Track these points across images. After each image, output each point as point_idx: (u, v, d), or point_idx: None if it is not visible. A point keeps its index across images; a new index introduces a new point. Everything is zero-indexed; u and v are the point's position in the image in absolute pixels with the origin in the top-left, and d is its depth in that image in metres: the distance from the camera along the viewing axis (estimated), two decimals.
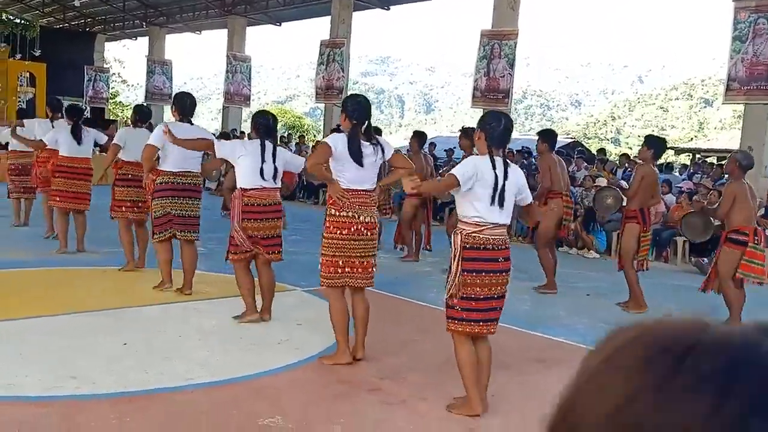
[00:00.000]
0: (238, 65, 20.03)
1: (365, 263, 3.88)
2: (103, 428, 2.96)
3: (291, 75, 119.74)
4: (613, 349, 0.49)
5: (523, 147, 16.33)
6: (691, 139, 50.94)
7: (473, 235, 3.25)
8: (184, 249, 5.32)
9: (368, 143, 3.83)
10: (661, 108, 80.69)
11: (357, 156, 3.75)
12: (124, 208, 5.96)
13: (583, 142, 30.44)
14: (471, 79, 14.32)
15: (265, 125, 4.59)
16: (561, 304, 6.24)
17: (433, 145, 16.69)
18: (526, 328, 5.18)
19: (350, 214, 3.79)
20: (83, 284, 5.81)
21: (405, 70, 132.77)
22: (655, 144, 5.89)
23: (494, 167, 3.25)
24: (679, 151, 25.09)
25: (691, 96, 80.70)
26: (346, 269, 3.83)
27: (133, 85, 39.52)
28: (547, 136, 6.64)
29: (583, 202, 10.64)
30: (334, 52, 16.81)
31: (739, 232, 5.21)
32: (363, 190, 3.83)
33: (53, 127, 7.25)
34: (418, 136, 8.08)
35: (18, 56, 18.58)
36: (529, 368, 4.24)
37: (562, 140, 22.26)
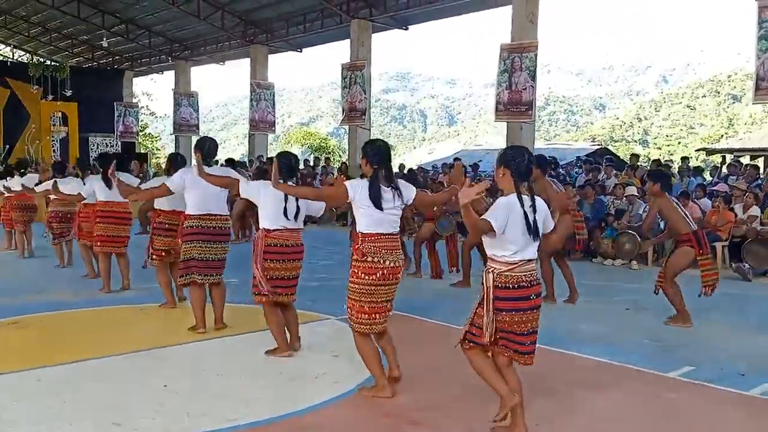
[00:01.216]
0: (261, 93, 20.29)
1: (388, 306, 3.95)
2: None
3: (313, 96, 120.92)
4: None
5: (549, 157, 16.20)
6: (722, 136, 49.96)
7: (505, 274, 3.24)
8: (212, 289, 5.36)
9: (388, 188, 3.87)
10: (688, 107, 79.39)
11: (377, 200, 3.81)
12: (163, 254, 6.05)
13: (609, 146, 30.10)
14: (492, 90, 14.27)
15: (288, 166, 4.62)
16: (601, 320, 6.11)
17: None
18: (566, 348, 5.07)
19: (375, 259, 3.82)
20: (123, 324, 5.88)
21: (425, 84, 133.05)
22: (659, 177, 6.03)
23: (522, 204, 3.24)
24: (710, 152, 24.57)
25: (719, 93, 79.27)
26: (374, 315, 3.87)
27: (161, 117, 40.26)
28: (540, 161, 6.38)
29: (613, 212, 10.46)
30: (355, 75, 16.92)
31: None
32: (384, 234, 3.86)
33: (84, 183, 7.60)
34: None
35: (50, 97, 19.11)
36: (575, 393, 4.13)
37: (588, 148, 22.05)
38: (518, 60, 12.94)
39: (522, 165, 3.29)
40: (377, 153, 3.90)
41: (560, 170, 14.77)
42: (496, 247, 3.27)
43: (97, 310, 6.31)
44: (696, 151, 28.30)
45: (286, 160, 4.68)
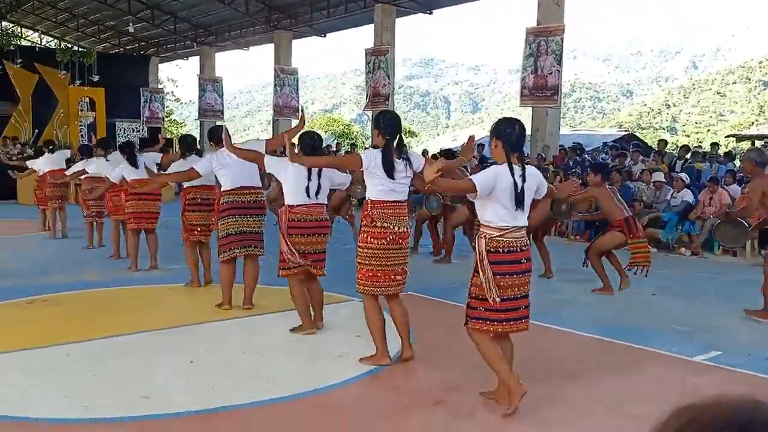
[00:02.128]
0: (285, 78, 20.33)
1: (399, 270, 4.06)
2: None
3: (337, 83, 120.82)
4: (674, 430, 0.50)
5: (574, 143, 16.01)
6: (752, 123, 48.87)
7: (497, 239, 3.36)
8: (247, 264, 5.44)
9: (399, 158, 3.99)
10: (718, 93, 77.79)
11: (389, 169, 3.93)
12: (197, 232, 6.14)
13: (637, 133, 29.62)
14: (517, 76, 14.12)
15: (311, 145, 4.71)
16: (626, 305, 6.06)
17: (481, 146, 16.55)
18: (590, 332, 5.05)
19: (384, 224, 3.96)
20: (150, 303, 6.00)
21: (449, 70, 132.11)
22: (600, 169, 6.84)
23: (512, 173, 3.34)
24: (740, 139, 24.09)
25: (749, 79, 77.51)
26: (383, 279, 4.00)
27: (186, 103, 40.59)
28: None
29: (641, 198, 10.33)
30: (378, 60, 16.86)
31: None
32: (395, 202, 4.00)
33: (108, 160, 7.92)
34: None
35: (77, 82, 19.35)
36: (597, 375, 4.12)
37: (615, 134, 21.75)
38: (544, 44, 12.78)
39: (513, 136, 3.38)
40: (389, 124, 4.01)
41: (585, 156, 14.60)
42: (487, 213, 3.38)
43: (125, 289, 6.43)
44: (726, 137, 27.78)
45: (310, 139, 4.78)
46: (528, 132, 14.60)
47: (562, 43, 12.68)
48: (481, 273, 3.37)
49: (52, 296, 5.94)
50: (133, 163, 7.06)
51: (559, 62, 12.73)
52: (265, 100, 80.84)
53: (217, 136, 5.56)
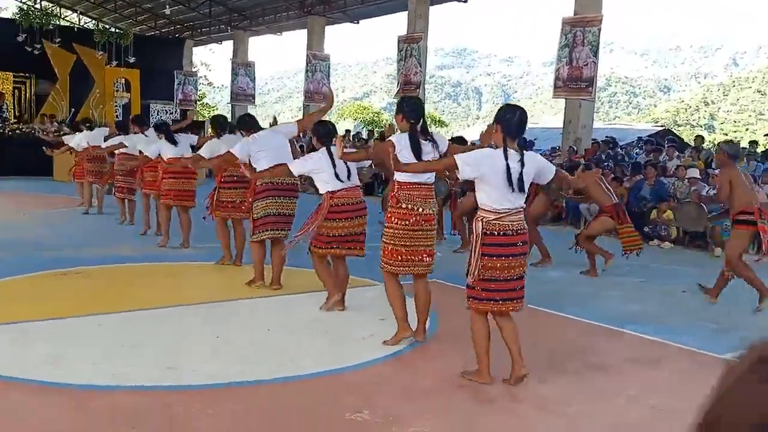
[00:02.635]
0: (317, 64, 20.36)
1: (425, 251, 4.11)
2: (199, 418, 3.09)
3: (368, 71, 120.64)
4: (757, 361, 0.48)
5: (607, 137, 15.77)
6: None
7: (493, 222, 3.45)
8: (274, 247, 5.53)
9: (425, 140, 4.09)
10: (759, 92, 75.78)
11: (417, 151, 3.99)
12: (230, 207, 6.23)
13: (673, 130, 29.04)
14: (551, 69, 13.94)
15: (326, 133, 4.86)
16: (655, 300, 5.99)
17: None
18: (618, 326, 5.00)
19: (410, 206, 4.03)
20: (181, 279, 6.13)
21: (482, 61, 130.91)
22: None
23: (506, 157, 3.42)
24: None
25: None
26: (408, 257, 4.07)
27: (218, 87, 40.97)
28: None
29: (675, 194, 10.16)
30: (411, 48, 16.79)
31: (745, 212, 5.42)
32: (422, 184, 4.06)
33: (146, 136, 8.06)
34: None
35: (114, 63, 19.63)
36: (626, 368, 4.08)
37: (650, 129, 21.36)
38: (580, 34, 12.58)
39: (512, 121, 3.46)
40: (413, 108, 4.12)
41: (619, 150, 14.39)
42: (481, 196, 3.50)
43: (156, 264, 6.56)
44: (765, 136, 27.10)
45: (324, 128, 4.94)
46: (560, 124, 14.48)
47: (599, 34, 12.47)
48: (472, 252, 3.50)
49: (85, 269, 6.09)
50: (172, 141, 7.16)
51: (595, 54, 12.54)
52: (296, 87, 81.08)
53: (246, 125, 5.74)
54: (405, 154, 3.97)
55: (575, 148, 13.16)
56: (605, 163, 12.41)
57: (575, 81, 12.74)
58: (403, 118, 4.09)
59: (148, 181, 7.95)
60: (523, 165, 3.44)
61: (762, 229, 5.38)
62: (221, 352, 3.98)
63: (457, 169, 3.46)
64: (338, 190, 4.70)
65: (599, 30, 12.44)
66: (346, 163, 4.73)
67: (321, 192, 4.80)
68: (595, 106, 14.79)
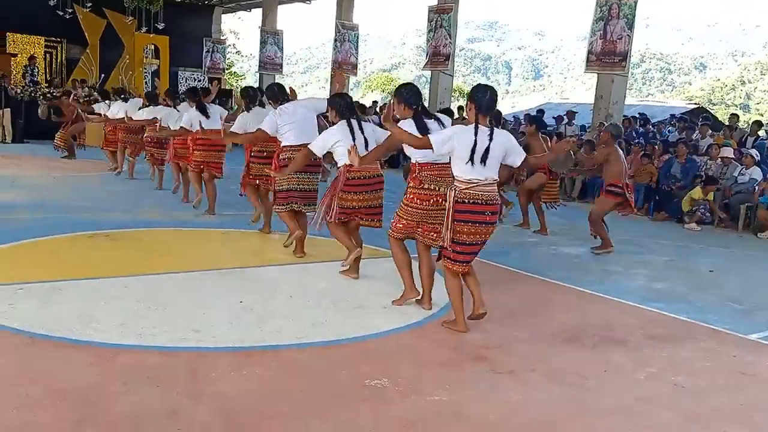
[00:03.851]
0: (346, 33, 20.19)
1: (438, 227, 4.17)
2: (221, 379, 3.15)
3: (397, 43, 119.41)
4: None
5: (639, 114, 15.46)
6: None
7: (465, 191, 3.75)
8: (298, 218, 5.55)
9: (430, 119, 4.28)
10: None
11: (425, 132, 4.10)
12: (258, 182, 6.27)
13: (707, 109, 28.33)
14: (583, 44, 13.64)
15: (346, 106, 4.90)
16: (681, 279, 5.92)
17: (541, 112, 16.18)
18: (641, 303, 4.96)
19: (434, 186, 4.17)
20: (207, 244, 6.20)
21: (513, 35, 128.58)
22: (534, 120, 8.10)
23: (476, 133, 3.69)
24: None
25: None
26: (424, 232, 4.26)
27: (246, 56, 40.91)
28: (536, 120, 8.28)
29: (707, 173, 9.95)
30: (441, 18, 16.54)
31: (615, 185, 6.68)
32: (440, 164, 4.14)
33: (177, 111, 8.18)
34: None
35: (143, 29, 19.67)
36: (646, 344, 4.05)
37: (684, 107, 20.88)
38: (616, 7, 12.26)
39: (484, 100, 3.74)
40: (412, 94, 4.30)
41: (650, 127, 14.10)
42: (453, 167, 3.80)
43: (183, 230, 6.64)
44: None
45: (343, 101, 4.96)
46: (591, 100, 14.20)
47: (635, 6, 12.14)
48: (446, 218, 3.80)
49: (112, 232, 6.19)
50: (204, 113, 7.19)
51: (630, 27, 12.22)
52: (324, 57, 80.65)
53: (273, 96, 5.73)
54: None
55: (606, 125, 12.92)
56: (636, 140, 12.19)
57: (608, 55, 12.46)
58: (405, 107, 4.27)
59: (179, 153, 8.00)
60: (491, 140, 3.71)
61: (629, 201, 6.81)
62: (244, 317, 4.03)
63: (431, 146, 3.76)
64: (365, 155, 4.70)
65: (635, 3, 12.11)
66: (365, 136, 4.76)
67: (339, 165, 4.82)
68: (628, 83, 14.46)
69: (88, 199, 8.15)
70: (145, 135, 9.37)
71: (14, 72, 17.69)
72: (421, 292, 4.41)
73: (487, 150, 3.70)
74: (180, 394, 2.96)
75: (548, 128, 14.70)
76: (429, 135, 3.87)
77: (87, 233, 6.07)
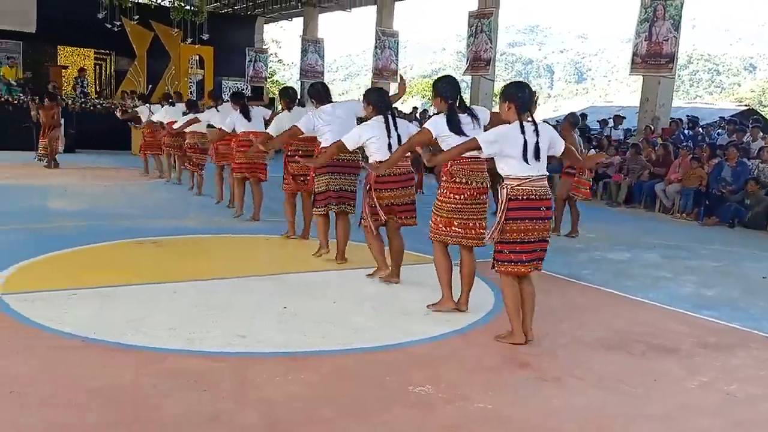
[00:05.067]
0: (386, 40, 20.29)
1: (477, 225, 4.22)
2: (267, 384, 3.19)
3: (437, 48, 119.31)
4: None
5: (688, 116, 15.09)
6: None
7: (518, 188, 3.71)
8: (339, 221, 5.58)
9: (464, 114, 4.23)
10: None
11: (457, 129, 4.14)
12: (298, 181, 6.28)
13: (758, 110, 27.43)
14: (628, 46, 13.40)
15: (382, 101, 4.89)
16: (732, 285, 5.75)
17: (584, 116, 15.94)
18: (691, 310, 4.83)
19: (463, 180, 4.17)
20: (252, 251, 6.30)
21: (555, 38, 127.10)
22: (571, 117, 8.14)
23: (523, 131, 3.68)
24: None
25: None
26: (459, 230, 4.21)
27: (288, 64, 41.49)
28: (572, 118, 8.19)
29: (759, 176, 9.65)
30: (482, 23, 16.48)
31: (571, 167, 7.22)
32: (473, 157, 4.11)
33: (218, 111, 8.28)
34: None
35: (189, 41, 20.15)
36: (697, 352, 3.95)
37: (733, 109, 20.26)
38: (661, 8, 12.01)
39: (525, 98, 3.73)
40: (448, 87, 4.24)
41: (699, 130, 13.75)
42: (503, 167, 3.77)
43: (229, 237, 6.76)
44: None
45: (379, 96, 4.95)
46: (636, 103, 13.92)
47: (681, 7, 11.88)
48: (497, 215, 3.75)
49: (159, 239, 6.34)
50: (246, 115, 7.27)
51: (677, 28, 11.96)
52: (364, 65, 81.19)
53: (317, 95, 5.65)
54: (446, 133, 4.14)
55: (652, 128, 12.67)
56: (684, 143, 11.91)
57: (654, 57, 12.21)
58: (441, 100, 4.23)
59: (221, 153, 8.17)
60: (538, 135, 3.71)
61: (578, 181, 7.42)
62: (289, 323, 4.08)
63: (480, 149, 3.74)
64: (384, 160, 4.70)
65: (682, 3, 11.85)
66: (398, 133, 4.77)
67: (370, 161, 4.84)
68: (675, 85, 14.14)
69: (137, 207, 8.38)
70: (186, 141, 9.61)
71: (65, 84, 18.36)
72: (457, 301, 4.39)
73: (537, 146, 3.70)
74: (226, 398, 3.01)
75: (591, 132, 14.50)
76: (477, 136, 3.83)
77: (135, 240, 6.24)
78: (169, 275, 5.02)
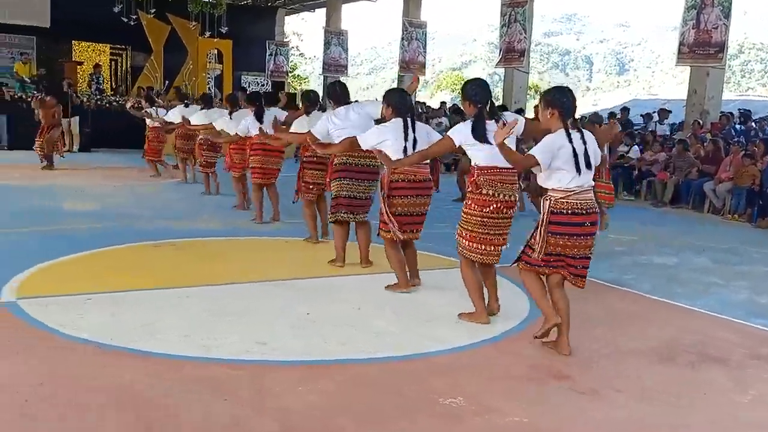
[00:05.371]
0: (413, 32, 20.31)
1: (500, 240, 4.21)
2: (287, 392, 3.21)
3: (467, 39, 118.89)
4: None
5: (739, 109, 14.83)
6: None
7: (561, 200, 3.66)
8: (358, 227, 5.59)
9: (492, 121, 4.12)
10: None
11: (483, 136, 4.07)
12: (315, 190, 6.34)
13: None
14: (673, 35, 13.22)
15: (403, 103, 4.86)
16: None
17: (626, 110, 15.74)
18: (742, 318, 4.75)
19: (490, 192, 4.11)
20: (271, 254, 6.37)
21: (594, 27, 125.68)
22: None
23: (570, 140, 3.65)
24: None
25: None
26: (483, 246, 4.19)
27: (310, 58, 41.72)
28: (596, 118, 9.28)
29: None
30: (515, 12, 16.39)
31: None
32: (499, 168, 4.08)
33: (231, 118, 8.27)
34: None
35: (207, 34, 20.39)
36: (749, 364, 3.88)
37: None
38: None
39: (568, 104, 3.71)
40: (478, 91, 4.17)
41: (752, 124, 13.49)
42: (549, 180, 3.72)
43: (247, 239, 6.83)
44: None
45: (400, 97, 4.93)
46: (683, 95, 13.71)
47: None
48: (538, 232, 3.71)
49: (175, 242, 6.43)
50: (260, 117, 7.33)
51: (727, 15, 11.76)
52: (390, 57, 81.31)
53: (335, 96, 5.69)
54: (471, 142, 4.10)
55: (701, 122, 12.45)
56: (736, 139, 11.69)
57: (703, 46, 12.03)
58: (470, 104, 4.17)
59: (237, 163, 8.25)
60: (585, 143, 3.69)
61: (597, 185, 7.30)
62: (309, 329, 4.10)
63: (539, 165, 3.67)
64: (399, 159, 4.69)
65: None
66: (415, 136, 4.74)
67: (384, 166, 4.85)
68: (725, 76, 13.91)
69: (151, 209, 8.49)
70: (198, 138, 9.70)
71: (80, 80, 18.71)
72: (489, 319, 4.33)
73: (586, 154, 3.67)
74: (244, 407, 3.04)
75: (635, 127, 14.31)
76: (536, 154, 3.69)
77: (151, 242, 6.33)
78: (186, 279, 5.09)
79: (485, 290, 4.39)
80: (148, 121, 11.75)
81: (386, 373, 3.53)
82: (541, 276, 3.87)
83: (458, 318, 4.37)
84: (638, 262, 6.59)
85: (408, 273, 5.03)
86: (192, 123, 9.75)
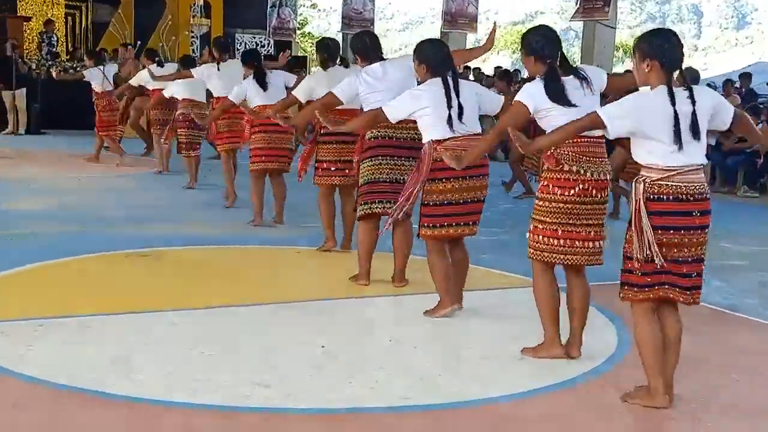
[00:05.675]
0: None
1: (592, 234, 4.11)
2: None
3: None
4: None
5: None
6: None
7: (659, 183, 3.49)
8: (396, 228, 5.44)
9: (570, 76, 4.11)
10: None
11: (562, 98, 4.03)
12: (333, 169, 6.24)
13: None
14: None
15: (440, 57, 4.80)
16: None
17: (748, 76, 15.54)
18: None
19: (574, 168, 4.03)
20: (276, 268, 6.44)
21: None
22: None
23: (672, 100, 3.47)
24: None
25: None
26: (567, 241, 4.09)
27: (325, 11, 42.04)
28: None
29: None
30: None
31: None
32: (590, 137, 4.01)
33: (219, 70, 8.42)
34: None
35: None
36: None
37: None
38: None
39: (672, 52, 3.54)
40: (546, 42, 4.15)
41: None
42: (641, 153, 3.58)
43: (244, 248, 6.90)
44: None
45: (435, 48, 4.88)
46: None
47: None
48: (633, 226, 3.53)
49: (155, 251, 6.52)
50: (262, 83, 7.28)
51: None
52: (429, 10, 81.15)
53: (362, 51, 5.60)
54: (547, 106, 4.04)
55: None
56: None
57: None
58: (535, 59, 4.16)
59: (223, 132, 8.32)
60: (694, 103, 3.50)
61: None
62: (327, 368, 4.13)
63: (605, 126, 3.56)
64: (447, 139, 4.66)
65: None
66: (460, 101, 4.69)
67: (424, 140, 4.80)
68: None
69: (124, 207, 8.63)
70: (177, 113, 9.72)
71: (27, 41, 18.96)
72: (565, 346, 4.29)
73: (694, 120, 3.49)
74: None
75: (759, 98, 14.12)
76: (598, 110, 3.63)
77: (124, 252, 6.43)
78: (168, 300, 5.16)
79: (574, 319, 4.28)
80: (94, 85, 11.93)
81: (430, 427, 3.54)
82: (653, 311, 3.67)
83: (521, 354, 4.34)
84: (765, 281, 6.51)
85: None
86: (157, 75, 9.95)
